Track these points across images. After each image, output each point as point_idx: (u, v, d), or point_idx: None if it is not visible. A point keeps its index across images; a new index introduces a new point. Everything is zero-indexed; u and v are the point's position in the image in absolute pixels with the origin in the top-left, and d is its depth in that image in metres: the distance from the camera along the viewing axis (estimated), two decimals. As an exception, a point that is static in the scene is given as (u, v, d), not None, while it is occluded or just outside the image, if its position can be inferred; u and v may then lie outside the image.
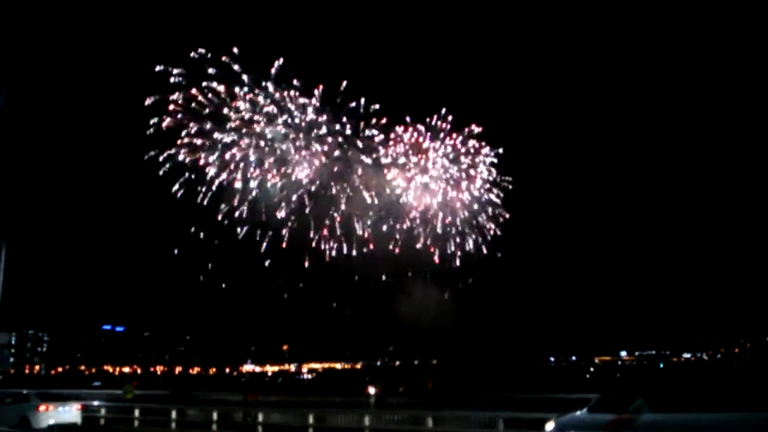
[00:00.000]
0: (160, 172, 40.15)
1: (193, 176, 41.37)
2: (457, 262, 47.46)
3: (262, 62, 41.79)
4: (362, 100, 42.08)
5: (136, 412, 27.93)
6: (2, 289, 33.60)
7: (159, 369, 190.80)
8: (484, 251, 47.59)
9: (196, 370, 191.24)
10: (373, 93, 44.46)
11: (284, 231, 43.98)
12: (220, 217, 42.39)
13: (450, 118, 44.86)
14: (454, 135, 45.30)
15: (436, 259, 47.33)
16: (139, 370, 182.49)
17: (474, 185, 46.08)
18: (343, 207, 44.62)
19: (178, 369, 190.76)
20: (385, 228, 45.71)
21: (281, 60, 40.62)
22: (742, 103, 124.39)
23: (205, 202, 42.10)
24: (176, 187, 41.18)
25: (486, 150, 45.75)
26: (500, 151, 46.28)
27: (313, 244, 44.89)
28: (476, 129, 45.44)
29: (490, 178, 46.40)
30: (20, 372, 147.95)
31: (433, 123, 44.67)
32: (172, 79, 39.39)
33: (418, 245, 46.65)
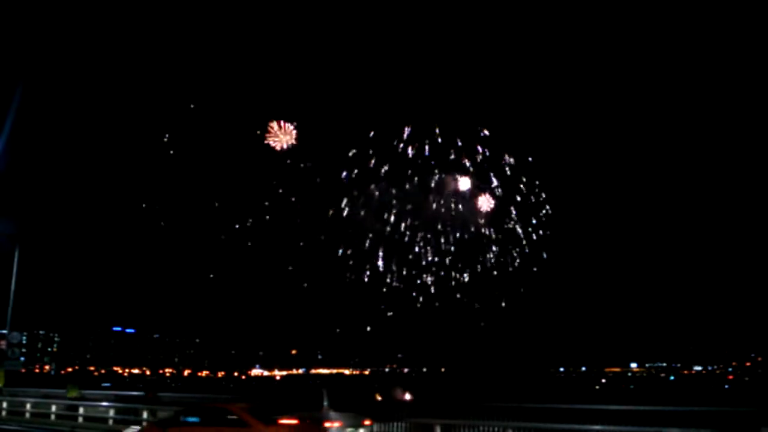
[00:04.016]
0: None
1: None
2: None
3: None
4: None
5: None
6: (15, 289, 33.92)
7: (168, 371, 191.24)
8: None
9: (204, 373, 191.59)
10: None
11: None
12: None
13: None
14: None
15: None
16: (147, 372, 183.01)
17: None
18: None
19: (186, 372, 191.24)
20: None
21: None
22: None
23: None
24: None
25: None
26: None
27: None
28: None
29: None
30: (30, 371, 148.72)
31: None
32: None
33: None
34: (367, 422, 17.87)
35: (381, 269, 47.78)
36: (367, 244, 46.84)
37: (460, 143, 46.35)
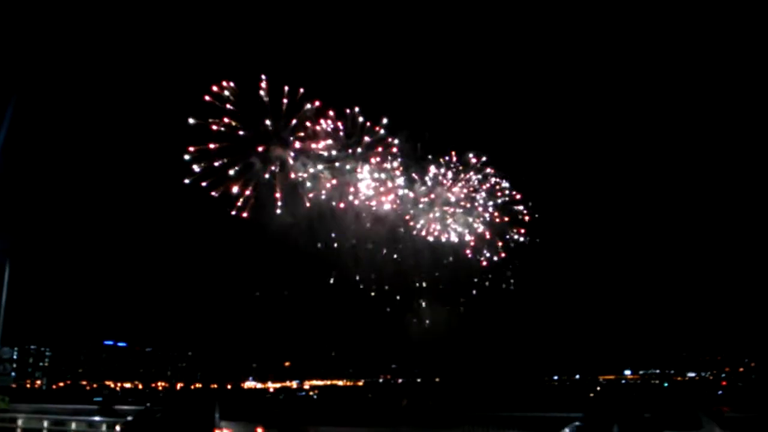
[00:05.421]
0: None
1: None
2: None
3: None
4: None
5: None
6: (5, 304, 33.67)
7: (160, 385, 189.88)
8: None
9: (197, 385, 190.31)
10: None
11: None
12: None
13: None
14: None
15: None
16: (140, 386, 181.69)
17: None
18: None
19: (179, 385, 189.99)
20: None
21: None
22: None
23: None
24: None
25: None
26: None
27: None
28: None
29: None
30: (21, 387, 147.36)
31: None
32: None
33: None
34: (259, 430, 19.51)
35: (373, 295, 47.15)
36: (357, 277, 46.25)
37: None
